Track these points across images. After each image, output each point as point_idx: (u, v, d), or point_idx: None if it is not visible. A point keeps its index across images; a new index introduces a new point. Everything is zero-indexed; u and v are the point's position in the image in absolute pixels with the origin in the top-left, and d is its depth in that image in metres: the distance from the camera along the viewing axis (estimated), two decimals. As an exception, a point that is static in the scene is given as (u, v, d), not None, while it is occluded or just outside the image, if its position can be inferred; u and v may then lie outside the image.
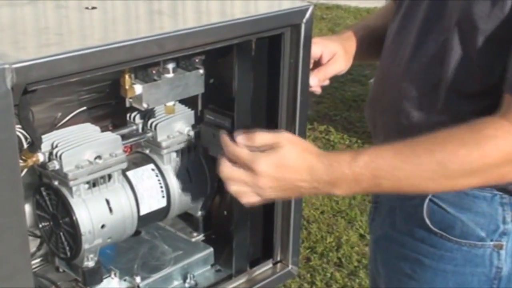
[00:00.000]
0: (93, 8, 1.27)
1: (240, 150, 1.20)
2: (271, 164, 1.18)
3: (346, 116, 4.78)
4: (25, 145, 1.24)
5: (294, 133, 1.39)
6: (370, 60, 1.71)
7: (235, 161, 1.20)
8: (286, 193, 1.22)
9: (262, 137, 1.21)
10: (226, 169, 1.21)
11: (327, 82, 1.55)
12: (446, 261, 1.44)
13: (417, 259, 1.47)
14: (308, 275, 3.14)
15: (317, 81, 1.49)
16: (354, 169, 1.17)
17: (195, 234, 1.59)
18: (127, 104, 1.34)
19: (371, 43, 1.62)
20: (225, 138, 1.23)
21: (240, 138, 1.21)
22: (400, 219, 1.50)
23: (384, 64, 1.51)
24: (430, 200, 1.42)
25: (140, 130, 1.48)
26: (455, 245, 1.42)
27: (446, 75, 1.31)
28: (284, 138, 1.21)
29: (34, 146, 1.24)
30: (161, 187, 1.45)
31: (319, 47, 1.50)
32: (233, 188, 1.21)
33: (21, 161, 1.23)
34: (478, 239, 1.40)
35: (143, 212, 1.42)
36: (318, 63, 1.52)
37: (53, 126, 1.41)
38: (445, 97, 1.33)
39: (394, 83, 1.43)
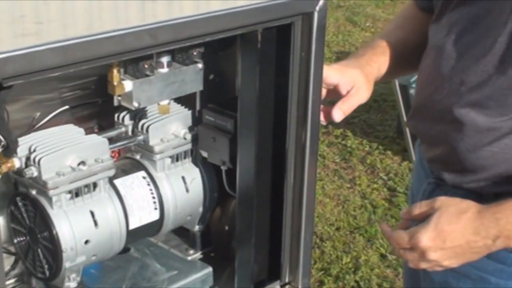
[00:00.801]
0: (77, -7, 1.28)
1: (399, 236, 1.40)
2: (431, 238, 1.35)
3: (366, 119, 4.78)
4: (-1, 149, 1.25)
5: (305, 137, 1.41)
6: (398, 76, 1.75)
7: (401, 247, 1.41)
8: (463, 257, 1.37)
9: (418, 206, 1.43)
10: (400, 252, 1.42)
11: None
12: None
13: (481, 277, 1.49)
14: (321, 300, 3.15)
15: (342, 114, 1.52)
16: None
17: (191, 251, 1.59)
18: (115, 103, 1.35)
19: (397, 61, 1.65)
20: (383, 227, 1.48)
21: (402, 213, 1.48)
22: None
23: (430, 70, 1.54)
24: None
25: (129, 133, 1.49)
26: None
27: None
28: (439, 201, 1.39)
29: (9, 150, 1.24)
30: (153, 197, 1.46)
31: (337, 74, 1.51)
32: (413, 264, 1.42)
33: (-6, 167, 1.24)
34: None
35: (132, 226, 1.42)
36: (334, 92, 1.53)
37: (31, 127, 1.42)
38: None
39: (446, 88, 1.46)
